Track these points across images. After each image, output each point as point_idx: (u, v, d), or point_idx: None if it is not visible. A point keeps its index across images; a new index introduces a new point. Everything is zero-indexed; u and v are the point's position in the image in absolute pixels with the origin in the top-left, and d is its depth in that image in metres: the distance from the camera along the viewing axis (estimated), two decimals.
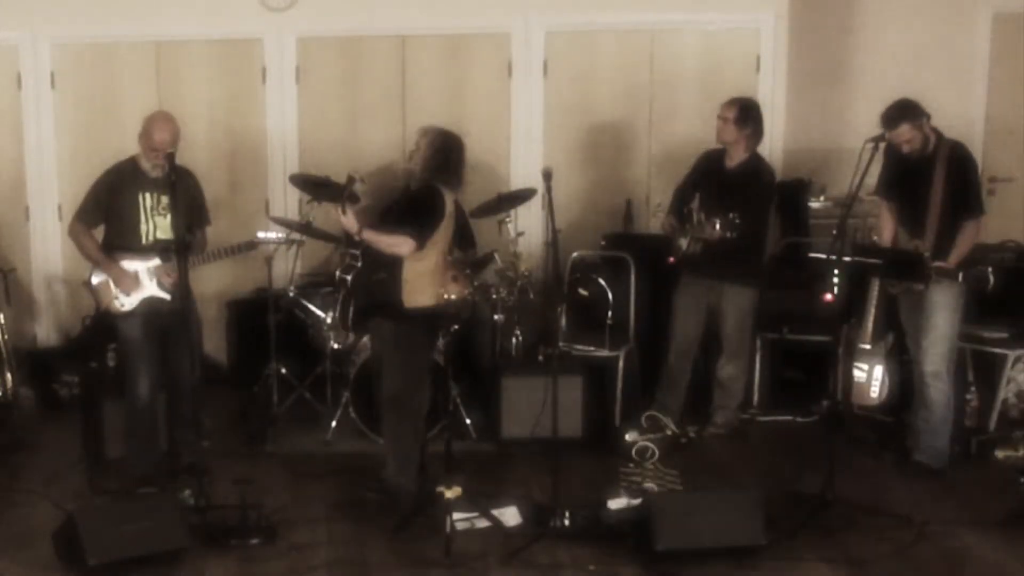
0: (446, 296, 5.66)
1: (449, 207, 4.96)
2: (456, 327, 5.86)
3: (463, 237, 6.32)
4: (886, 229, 5.51)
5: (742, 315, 5.99)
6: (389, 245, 4.87)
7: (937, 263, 5.15)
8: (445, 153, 4.93)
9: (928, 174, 5.24)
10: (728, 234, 5.53)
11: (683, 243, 5.90)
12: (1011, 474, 5.33)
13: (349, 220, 4.86)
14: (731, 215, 5.53)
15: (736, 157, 5.89)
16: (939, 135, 5.27)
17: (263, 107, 7.02)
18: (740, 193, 5.74)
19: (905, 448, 5.56)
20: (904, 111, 5.19)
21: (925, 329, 5.34)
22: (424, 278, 4.92)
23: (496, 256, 6.18)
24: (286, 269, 6.34)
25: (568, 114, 7.09)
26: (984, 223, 5.35)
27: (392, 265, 4.89)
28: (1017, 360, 5.92)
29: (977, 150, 5.56)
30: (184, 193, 5.14)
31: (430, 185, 4.92)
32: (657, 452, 5.67)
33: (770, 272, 6.17)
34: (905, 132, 5.18)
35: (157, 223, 5.23)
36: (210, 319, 6.58)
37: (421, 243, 4.85)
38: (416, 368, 4.98)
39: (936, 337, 5.32)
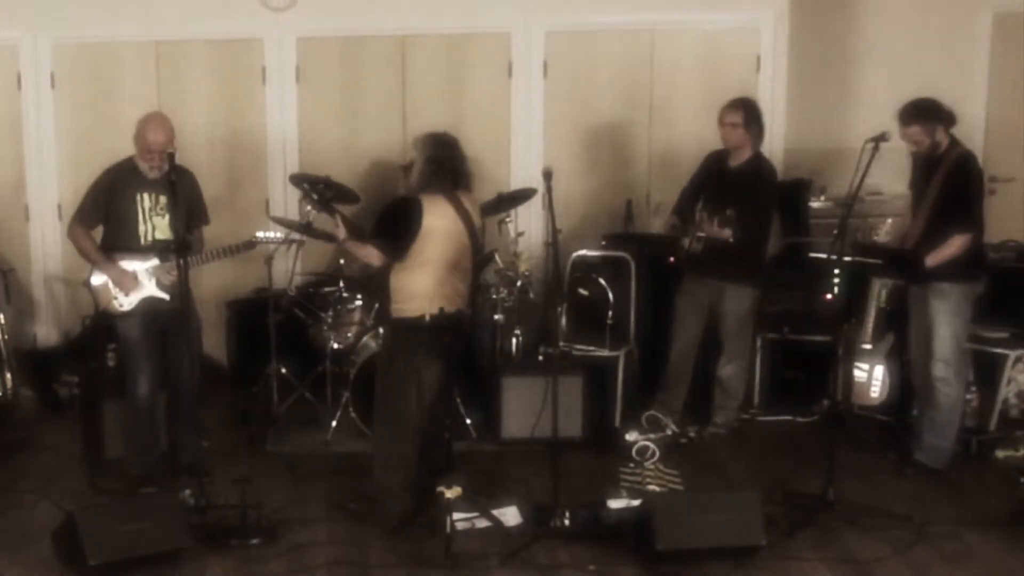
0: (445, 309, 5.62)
1: (435, 220, 4.73)
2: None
3: None
4: (901, 224, 5.50)
5: (742, 315, 5.98)
6: (361, 256, 4.91)
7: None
8: (436, 159, 4.79)
9: (932, 177, 5.25)
10: (727, 231, 5.53)
11: (685, 242, 5.90)
12: (1011, 474, 5.33)
13: (340, 230, 4.94)
14: (728, 212, 5.53)
15: (740, 157, 5.89)
16: (953, 142, 5.26)
17: (263, 107, 7.01)
18: (742, 192, 5.75)
19: (905, 448, 5.56)
20: (918, 114, 5.20)
21: (934, 334, 5.33)
22: (408, 290, 4.77)
23: (496, 256, 6.17)
24: (286, 269, 6.33)
25: (568, 114, 7.09)
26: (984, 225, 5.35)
27: (381, 274, 4.86)
28: (1017, 360, 5.91)
29: (977, 150, 5.55)
30: (182, 193, 5.13)
31: (406, 197, 4.81)
32: (657, 452, 5.67)
33: (770, 272, 6.17)
34: (915, 133, 5.21)
35: (155, 223, 5.23)
36: (210, 319, 6.57)
37: (390, 255, 4.75)
38: (397, 376, 4.84)
39: (944, 341, 5.31)
